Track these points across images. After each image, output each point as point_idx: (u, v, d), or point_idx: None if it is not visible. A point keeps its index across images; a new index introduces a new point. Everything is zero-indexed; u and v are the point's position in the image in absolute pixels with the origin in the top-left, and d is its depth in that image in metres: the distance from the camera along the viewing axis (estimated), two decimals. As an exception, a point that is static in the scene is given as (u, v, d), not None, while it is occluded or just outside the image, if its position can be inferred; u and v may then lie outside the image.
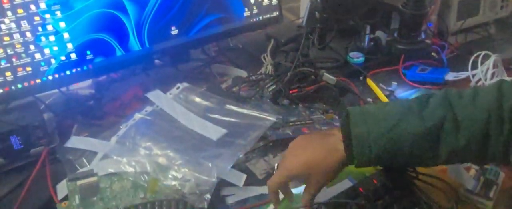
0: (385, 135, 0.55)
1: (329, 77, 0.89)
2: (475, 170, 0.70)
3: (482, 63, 0.91)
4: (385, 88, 0.95)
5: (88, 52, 0.87)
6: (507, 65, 0.99)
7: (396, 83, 0.97)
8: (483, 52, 0.91)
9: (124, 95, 0.98)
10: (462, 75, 0.93)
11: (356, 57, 1.02)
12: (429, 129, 0.54)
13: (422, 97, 0.58)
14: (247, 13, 1.04)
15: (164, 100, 0.85)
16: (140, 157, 0.69)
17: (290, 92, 0.91)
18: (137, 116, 0.80)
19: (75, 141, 0.77)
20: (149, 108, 0.83)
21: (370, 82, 0.97)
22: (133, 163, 0.67)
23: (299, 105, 0.89)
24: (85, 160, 0.74)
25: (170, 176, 0.66)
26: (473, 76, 0.92)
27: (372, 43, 1.05)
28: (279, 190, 0.63)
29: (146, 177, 0.66)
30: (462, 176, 0.67)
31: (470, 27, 1.11)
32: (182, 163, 0.67)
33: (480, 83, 0.91)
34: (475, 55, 0.92)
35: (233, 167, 0.72)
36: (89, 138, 0.78)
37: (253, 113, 0.81)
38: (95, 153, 0.74)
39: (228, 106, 0.85)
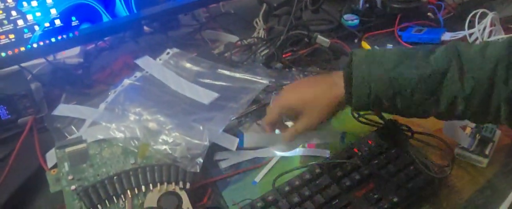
0: (387, 75, 0.53)
1: (323, 40, 0.87)
2: (471, 128, 0.69)
3: (479, 22, 0.88)
4: (380, 50, 0.93)
5: (73, 18, 0.84)
6: (505, 23, 0.97)
7: (391, 45, 0.95)
8: (480, 10, 0.89)
9: (113, 63, 0.96)
10: (459, 34, 0.91)
11: (351, 20, 0.99)
12: (433, 72, 0.52)
13: (429, 46, 0.56)
14: (237, -24, 1.01)
15: (154, 65, 0.83)
16: (129, 123, 0.67)
17: (283, 55, 0.89)
18: (126, 82, 0.78)
19: (63, 109, 0.76)
20: (138, 74, 0.81)
21: (365, 44, 0.95)
22: (123, 129, 0.65)
23: (292, 68, 0.87)
24: (74, 128, 0.72)
25: (160, 140, 0.64)
26: (470, 35, 0.90)
27: (367, 5, 1.01)
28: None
29: (136, 143, 0.64)
30: (458, 134, 0.66)
31: (468, -14, 1.08)
32: (173, 127, 0.66)
33: (477, 42, 0.89)
34: (472, 13, 0.89)
35: (225, 131, 0.70)
36: (77, 106, 0.76)
37: (245, 77, 0.80)
38: (84, 120, 0.72)
39: (219, 70, 0.83)
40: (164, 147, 0.63)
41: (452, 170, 0.62)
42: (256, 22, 1.03)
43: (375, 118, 0.72)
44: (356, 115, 0.74)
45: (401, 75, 0.53)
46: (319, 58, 0.89)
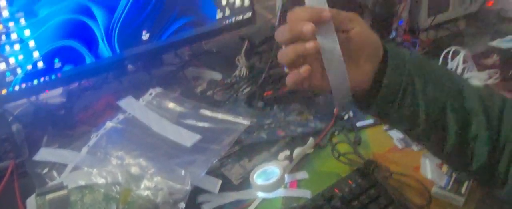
0: (423, 64, 0.49)
1: (303, 78, 0.89)
2: (447, 166, 0.71)
3: (452, 59, 0.92)
4: (359, 86, 0.96)
5: (56, 60, 0.85)
6: (477, 59, 1.01)
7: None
8: (453, 48, 0.92)
9: (96, 103, 0.96)
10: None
11: (330, 57, 1.01)
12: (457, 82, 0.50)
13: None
14: (219, 15, 1.03)
15: (137, 107, 0.83)
16: (111, 167, 0.67)
17: (265, 94, 0.91)
18: (109, 124, 0.79)
19: (44, 154, 0.75)
20: (121, 116, 0.81)
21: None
22: (104, 174, 0.65)
23: (274, 107, 0.89)
24: (55, 173, 0.71)
25: (142, 185, 0.64)
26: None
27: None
28: None
29: (118, 188, 0.64)
30: (435, 173, 0.68)
31: (441, 23, 1.12)
32: (155, 171, 0.66)
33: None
34: (445, 51, 0.93)
35: (208, 173, 0.71)
36: (58, 150, 0.75)
37: (227, 117, 0.81)
38: (66, 165, 0.72)
39: (202, 111, 0.84)
40: (146, 192, 0.63)
41: (430, 210, 0.63)
42: (238, 60, 1.05)
43: (355, 157, 0.74)
44: (336, 155, 0.75)
45: (433, 70, 0.50)
46: (300, 96, 0.91)
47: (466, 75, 0.90)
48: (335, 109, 0.86)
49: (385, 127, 0.83)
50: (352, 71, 0.45)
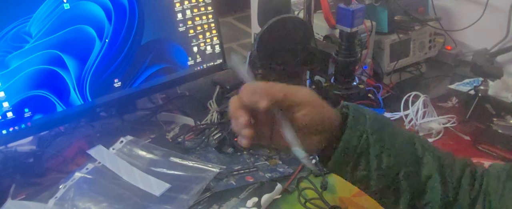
0: (383, 131, 0.51)
1: (271, 123, 0.91)
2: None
3: (413, 103, 0.97)
4: (327, 130, 0.99)
5: (26, 110, 0.85)
6: (437, 102, 1.07)
7: (337, 124, 1.00)
8: (413, 93, 0.97)
9: (67, 150, 0.96)
10: (397, 115, 0.99)
11: (299, 101, 1.05)
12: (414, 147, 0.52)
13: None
14: (191, 62, 1.06)
15: (107, 156, 0.84)
16: (78, 221, 0.67)
17: (235, 139, 0.93)
18: (77, 175, 0.79)
19: (10, 206, 0.74)
20: (90, 166, 0.81)
21: (312, 124, 1.00)
22: (71, 228, 0.65)
23: (243, 152, 0.91)
24: (21, 226, 0.71)
25: (109, 239, 0.64)
26: (406, 116, 0.98)
27: (313, 87, 1.09)
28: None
29: (84, 242, 0.64)
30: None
31: (403, 67, 1.19)
32: (123, 224, 0.67)
33: (412, 123, 0.96)
34: (406, 96, 0.98)
35: (177, 222, 0.72)
36: (25, 202, 0.75)
37: (197, 165, 0.82)
38: (32, 218, 0.71)
39: (172, 158, 0.85)
40: (113, 246, 0.63)
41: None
42: (210, 104, 1.08)
43: (321, 203, 0.76)
44: (303, 201, 0.77)
45: (393, 131, 0.52)
46: (269, 141, 0.94)
47: (425, 119, 0.95)
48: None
49: (351, 171, 0.86)
50: (301, 139, 0.48)
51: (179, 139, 0.95)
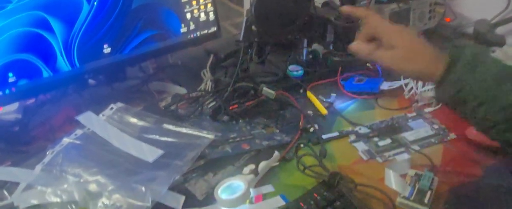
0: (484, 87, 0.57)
1: (268, 91, 0.89)
2: (411, 176, 0.71)
3: (413, 72, 0.94)
4: (324, 100, 0.96)
5: (10, 74, 0.81)
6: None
7: (334, 94, 0.98)
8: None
9: (54, 118, 0.92)
10: (396, 84, 0.97)
11: (295, 70, 1.02)
12: None
13: None
14: (184, 29, 1.02)
15: (96, 122, 0.80)
16: (67, 186, 0.64)
17: (230, 108, 0.90)
18: (66, 141, 0.75)
19: (-6, 173, 0.71)
20: (79, 132, 0.78)
21: (310, 94, 0.98)
22: (59, 193, 0.62)
23: (239, 121, 0.88)
24: (6, 192, 0.67)
25: (100, 203, 0.61)
26: (406, 85, 0.95)
27: (310, 56, 1.06)
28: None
29: (74, 207, 0.61)
30: (398, 184, 0.69)
31: (402, 38, 1.15)
32: (114, 189, 0.63)
33: (412, 92, 0.94)
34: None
35: (171, 189, 0.69)
36: (10, 168, 0.71)
37: (191, 132, 0.79)
38: (18, 184, 0.68)
39: (165, 125, 0.81)
40: (104, 211, 0.60)
41: (394, 221, 0.64)
42: (204, 74, 1.04)
43: (320, 170, 0.74)
44: (301, 168, 0.75)
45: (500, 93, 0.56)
46: (265, 109, 0.91)
47: (426, 88, 0.92)
48: (300, 122, 0.86)
49: (350, 139, 0.84)
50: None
51: (172, 108, 0.92)
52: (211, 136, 0.78)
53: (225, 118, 0.88)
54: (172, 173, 0.68)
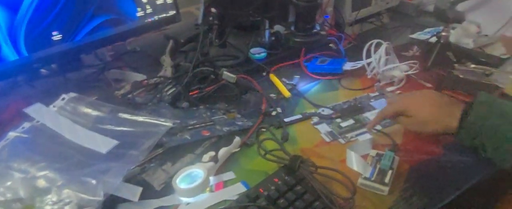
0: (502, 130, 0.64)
1: (229, 75, 0.86)
2: (372, 156, 0.71)
3: (375, 51, 0.93)
4: (288, 82, 0.95)
5: (-51, 66, 0.75)
6: (399, 51, 1.04)
7: (298, 76, 0.97)
8: (375, 41, 0.94)
9: (3, 112, 0.87)
10: (358, 64, 0.96)
11: (258, 53, 1.00)
12: None
13: None
14: (140, 13, 0.98)
15: (46, 113, 0.76)
16: (12, 183, 0.60)
17: (190, 93, 0.87)
18: (11, 135, 0.71)
19: None
20: (26, 125, 0.73)
21: (273, 77, 0.96)
22: (3, 190, 0.58)
23: (199, 107, 0.85)
24: None
25: (48, 200, 0.58)
26: (369, 64, 0.94)
27: (273, 38, 1.04)
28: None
29: (19, 205, 0.57)
30: (360, 164, 0.68)
31: (365, 17, 1.15)
32: (64, 183, 0.60)
33: (374, 71, 0.93)
34: (368, 44, 0.94)
35: (127, 180, 0.66)
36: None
37: (148, 120, 0.76)
38: (-41, 183, 0.63)
39: (121, 114, 0.78)
40: (52, 207, 0.57)
41: (355, 202, 0.63)
42: (163, 59, 1.00)
43: (282, 154, 0.72)
44: (262, 152, 0.73)
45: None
46: (226, 94, 0.88)
47: (388, 66, 0.92)
48: (263, 106, 0.84)
49: (312, 121, 0.82)
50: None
51: (129, 96, 0.88)
52: (169, 124, 0.75)
53: (185, 104, 0.85)
54: (127, 163, 0.65)
